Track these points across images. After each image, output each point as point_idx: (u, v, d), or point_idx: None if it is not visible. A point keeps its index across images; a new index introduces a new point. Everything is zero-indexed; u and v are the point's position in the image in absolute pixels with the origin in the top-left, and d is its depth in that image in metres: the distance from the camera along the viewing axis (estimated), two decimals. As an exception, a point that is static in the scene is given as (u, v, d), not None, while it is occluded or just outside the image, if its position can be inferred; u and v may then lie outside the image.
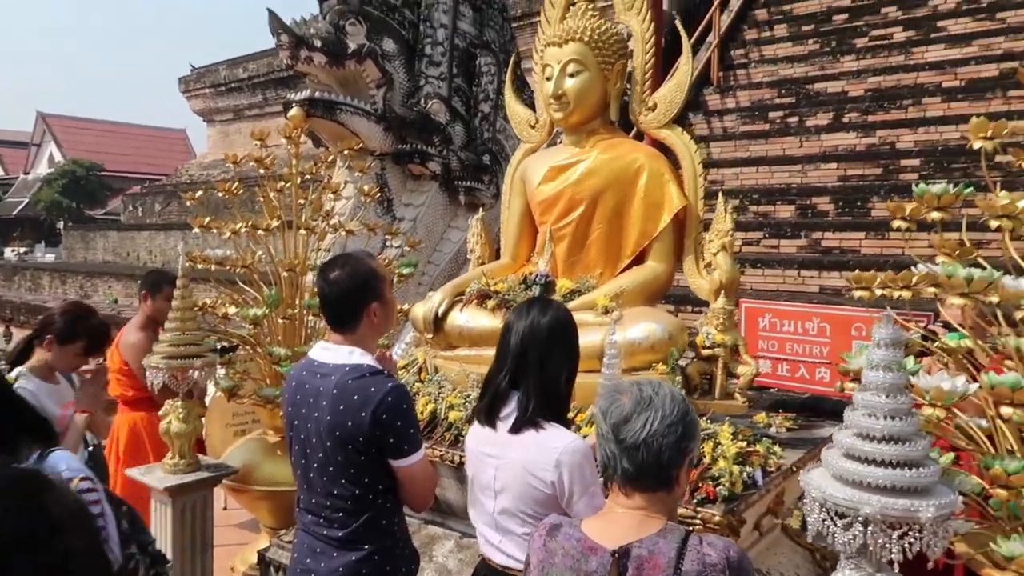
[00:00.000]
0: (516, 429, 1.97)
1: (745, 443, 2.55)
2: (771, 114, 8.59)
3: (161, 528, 3.40)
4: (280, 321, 3.85)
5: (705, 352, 2.88)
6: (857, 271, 2.44)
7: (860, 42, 8.87)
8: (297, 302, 3.92)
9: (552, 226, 3.38)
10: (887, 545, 1.65)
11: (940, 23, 8.49)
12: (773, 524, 2.93)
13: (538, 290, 3.25)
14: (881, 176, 7.22)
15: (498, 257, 3.81)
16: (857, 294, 2.45)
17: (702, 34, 9.64)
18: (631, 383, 1.60)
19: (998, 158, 2.56)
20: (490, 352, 3.31)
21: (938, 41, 8.30)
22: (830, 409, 4.66)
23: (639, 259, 3.29)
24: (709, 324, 2.89)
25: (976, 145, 2.25)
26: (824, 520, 1.71)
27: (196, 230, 4.12)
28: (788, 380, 5.46)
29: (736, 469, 2.34)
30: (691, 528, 1.55)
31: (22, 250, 30.10)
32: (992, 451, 2.10)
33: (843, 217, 7.02)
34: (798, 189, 7.47)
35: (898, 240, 6.39)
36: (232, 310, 3.84)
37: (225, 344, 3.93)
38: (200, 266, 3.89)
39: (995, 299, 2.12)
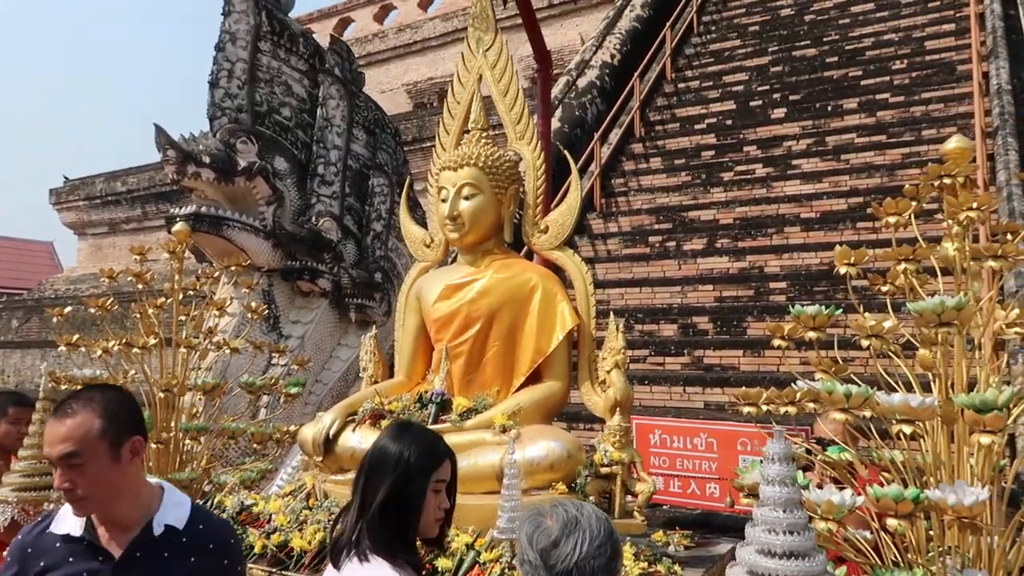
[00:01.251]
0: (337, 561, 1.79)
1: (646, 563, 2.52)
2: (651, 238, 9.09)
3: None
4: (153, 446, 3.56)
5: (603, 470, 2.88)
6: (744, 388, 2.54)
7: (727, 175, 9.66)
8: (173, 425, 3.65)
9: (448, 344, 3.36)
10: (796, 664, 1.64)
11: (794, 161, 9.40)
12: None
13: (433, 409, 3.19)
14: (753, 297, 7.70)
15: (391, 375, 3.73)
16: (745, 410, 2.54)
17: (585, 164, 10.22)
18: (552, 504, 1.54)
19: (855, 282, 2.79)
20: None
21: (794, 177, 9.15)
22: (720, 525, 4.72)
23: (535, 377, 3.31)
24: (606, 441, 2.90)
25: (842, 270, 2.45)
26: (733, 641, 1.70)
27: (61, 348, 3.83)
28: (680, 496, 5.52)
29: (640, 592, 2.29)
30: None
31: None
32: (879, 562, 2.16)
33: (721, 336, 7.39)
34: (679, 309, 7.84)
35: (773, 357, 6.75)
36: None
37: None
38: (64, 387, 3.58)
39: (868, 413, 2.25)
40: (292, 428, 4.16)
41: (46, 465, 3.12)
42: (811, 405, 2.42)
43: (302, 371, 4.82)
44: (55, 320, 3.96)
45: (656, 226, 9.34)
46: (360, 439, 3.17)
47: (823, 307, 2.43)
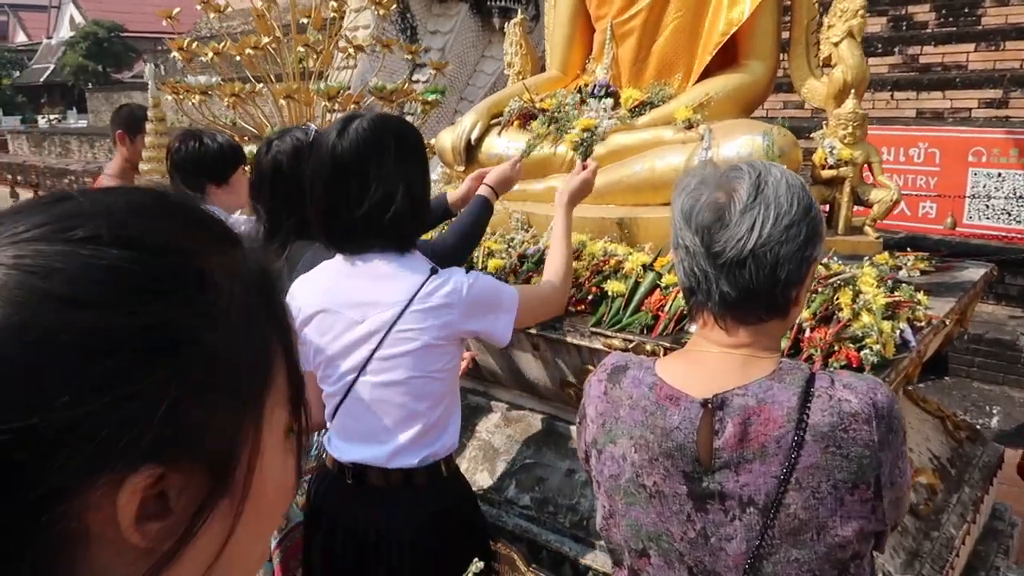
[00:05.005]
0: None
1: (885, 292, 1.90)
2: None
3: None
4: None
5: (826, 173, 2.18)
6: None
7: None
8: (302, 137, 3.26)
9: (613, 20, 2.59)
10: None
11: None
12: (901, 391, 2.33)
13: (596, 104, 2.53)
14: (994, -25, 6.05)
15: (544, 71, 3.06)
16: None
17: None
18: (725, 170, 1.06)
19: None
20: (537, 185, 2.66)
21: None
22: (931, 249, 3.97)
23: (730, 58, 2.52)
24: (832, 135, 2.16)
25: None
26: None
27: (174, 54, 3.42)
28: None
29: (887, 326, 1.70)
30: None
31: (54, 117, 29.58)
32: None
33: (946, 28, 5.95)
34: (890, -3, 6.36)
35: (1016, 51, 5.37)
36: (225, 148, 3.21)
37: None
38: (183, 96, 3.22)
39: None
40: (432, 142, 3.69)
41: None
42: None
43: (442, 78, 4.24)
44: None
45: None
46: (508, 144, 2.62)
47: None
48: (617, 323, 2.02)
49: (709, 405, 1.00)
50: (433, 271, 1.49)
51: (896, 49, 5.93)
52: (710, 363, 1.05)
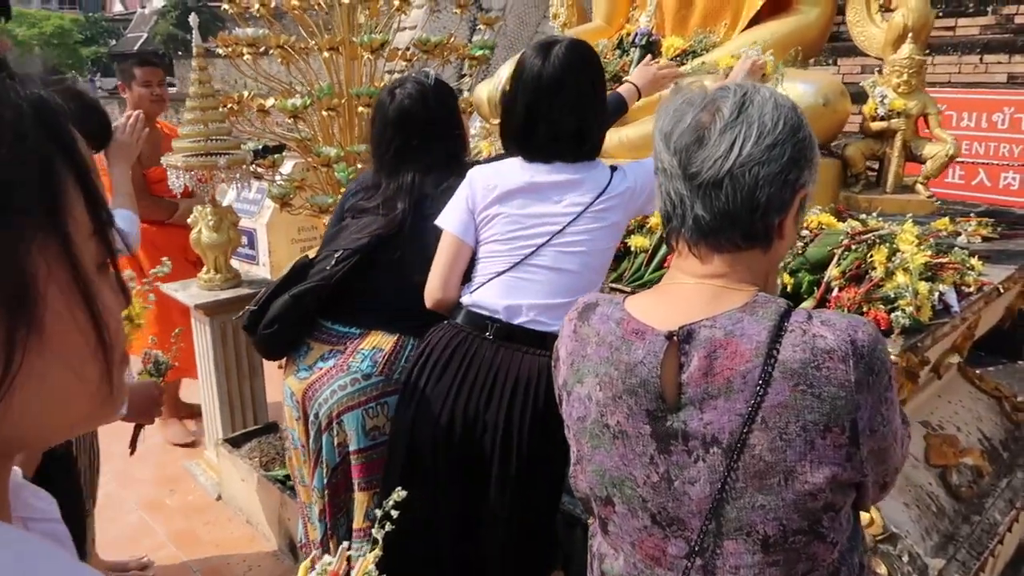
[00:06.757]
0: None
1: (933, 252, 1.75)
2: None
3: (203, 350, 3.02)
4: (324, 114, 3.20)
5: (876, 125, 2.02)
6: None
7: None
8: (344, 90, 3.24)
9: (658, -35, 2.47)
10: None
11: None
12: (950, 364, 2.16)
13: (637, 53, 2.42)
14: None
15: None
16: None
17: None
18: (712, 90, 0.97)
19: None
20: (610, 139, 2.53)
21: None
22: (1015, 224, 3.69)
23: (782, 5, 2.36)
24: (885, 83, 2.00)
25: None
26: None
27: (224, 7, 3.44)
28: (960, 188, 4.41)
29: (924, 287, 1.56)
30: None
31: (146, 84, 30.71)
32: None
33: (1047, -15, 5.48)
34: (986, -49, 5.89)
35: None
36: (269, 102, 3.22)
37: (267, 144, 3.35)
38: (231, 50, 3.24)
39: None
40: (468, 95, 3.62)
41: (213, 128, 2.89)
42: None
43: (493, 34, 4.15)
44: None
45: None
46: (543, 95, 2.53)
47: None
48: (638, 279, 1.94)
49: (675, 338, 0.93)
50: (613, 168, 1.69)
51: (989, 9, 5.49)
52: (681, 295, 0.97)
